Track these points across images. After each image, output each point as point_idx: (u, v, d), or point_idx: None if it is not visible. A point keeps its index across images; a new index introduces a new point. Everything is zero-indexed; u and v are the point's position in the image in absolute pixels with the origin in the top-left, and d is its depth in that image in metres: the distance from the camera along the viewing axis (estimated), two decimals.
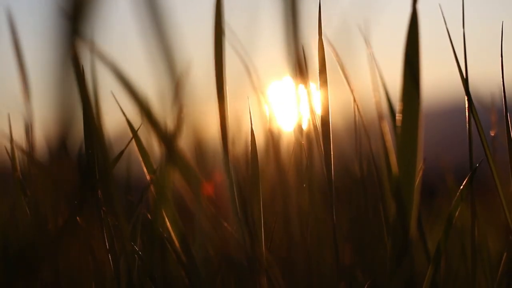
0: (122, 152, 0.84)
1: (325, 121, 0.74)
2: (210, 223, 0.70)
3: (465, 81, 0.80)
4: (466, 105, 0.79)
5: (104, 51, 0.64)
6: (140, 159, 0.81)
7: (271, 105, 0.77)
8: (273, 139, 0.75)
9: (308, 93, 0.72)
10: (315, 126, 0.74)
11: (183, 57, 0.56)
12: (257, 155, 0.79)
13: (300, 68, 0.67)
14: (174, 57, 0.56)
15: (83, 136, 0.77)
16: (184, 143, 0.64)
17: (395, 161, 0.68)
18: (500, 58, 0.79)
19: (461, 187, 0.80)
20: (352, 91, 0.77)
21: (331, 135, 0.74)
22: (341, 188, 0.82)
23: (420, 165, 0.68)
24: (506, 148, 0.80)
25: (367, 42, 0.79)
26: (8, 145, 0.88)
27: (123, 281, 0.80)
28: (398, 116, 0.67)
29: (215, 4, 0.72)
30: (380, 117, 0.73)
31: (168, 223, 0.79)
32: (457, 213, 0.80)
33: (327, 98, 0.74)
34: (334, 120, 0.76)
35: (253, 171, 0.79)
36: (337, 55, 0.76)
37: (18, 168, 0.86)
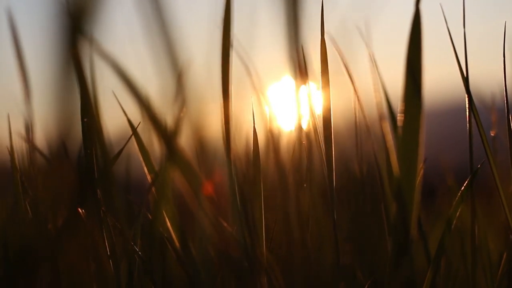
0: (121, 151, 0.84)
1: (327, 122, 0.74)
2: (210, 223, 0.70)
3: (465, 80, 0.80)
4: (467, 105, 0.79)
5: (105, 49, 0.64)
6: (141, 158, 0.81)
7: (271, 105, 0.77)
8: (273, 139, 0.75)
9: (309, 93, 0.72)
10: (316, 127, 0.74)
11: (185, 55, 0.56)
12: (259, 155, 0.79)
13: (300, 68, 0.67)
14: (177, 55, 0.56)
15: (82, 135, 0.77)
16: (185, 142, 0.64)
17: (396, 161, 0.68)
18: (503, 57, 0.79)
19: (462, 189, 0.80)
20: (355, 90, 0.77)
21: (332, 136, 0.74)
22: (342, 188, 0.81)
23: (421, 165, 0.68)
24: (507, 148, 0.80)
25: (367, 43, 0.79)
26: (8, 145, 0.88)
27: (123, 281, 0.80)
28: (400, 116, 0.67)
29: (225, 6, 0.71)
30: (381, 117, 0.72)
31: (168, 223, 0.79)
32: (457, 214, 0.80)
33: (329, 98, 0.74)
34: (336, 120, 0.76)
35: (254, 171, 0.79)
36: (341, 54, 0.76)
37: (18, 168, 0.86)
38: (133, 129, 0.83)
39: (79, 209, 0.72)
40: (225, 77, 0.72)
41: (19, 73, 0.83)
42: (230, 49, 0.72)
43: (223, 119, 0.71)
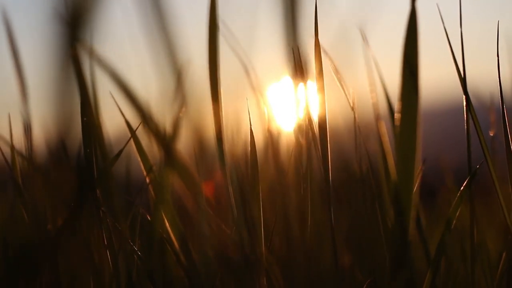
0: (120, 152, 0.84)
1: (323, 122, 0.74)
2: (209, 223, 0.70)
3: (463, 80, 0.80)
4: (464, 105, 0.79)
5: (102, 53, 0.64)
6: (139, 159, 0.81)
7: (270, 105, 0.77)
8: (272, 140, 0.75)
9: (307, 94, 0.72)
10: (313, 127, 0.74)
11: (184, 56, 0.56)
12: (257, 156, 0.79)
13: (298, 68, 0.67)
14: (176, 55, 0.56)
15: (82, 136, 0.77)
16: (183, 143, 0.64)
17: (393, 162, 0.68)
18: (497, 57, 0.79)
19: (460, 190, 0.80)
20: (347, 95, 0.77)
21: (328, 137, 0.74)
22: (340, 189, 0.82)
23: (419, 166, 0.68)
24: (505, 148, 0.80)
25: (365, 42, 0.79)
26: (8, 146, 0.88)
27: (122, 281, 0.80)
28: (397, 116, 0.67)
29: (210, 5, 0.72)
30: (378, 118, 0.73)
31: (167, 224, 0.79)
32: (457, 214, 0.80)
33: (325, 99, 0.74)
34: (332, 121, 0.76)
35: (252, 171, 0.79)
36: (332, 61, 0.76)
37: (18, 168, 0.86)
38: (131, 131, 0.83)
39: (78, 210, 0.72)
40: (213, 76, 0.72)
41: (16, 75, 0.83)
42: (218, 46, 0.72)
43: (214, 119, 0.71)
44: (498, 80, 0.79)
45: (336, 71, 0.76)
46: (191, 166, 0.63)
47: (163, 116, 0.61)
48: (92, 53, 0.63)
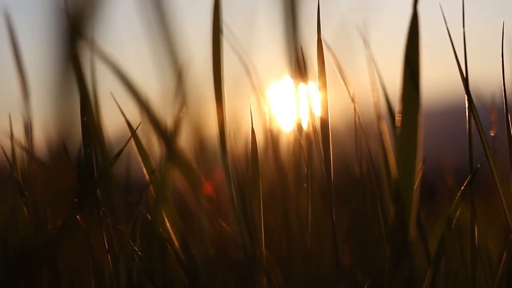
0: (120, 152, 0.84)
1: (324, 122, 0.74)
2: (210, 222, 0.70)
3: (465, 80, 0.80)
4: (466, 105, 0.79)
5: (104, 50, 0.64)
6: (139, 159, 0.81)
7: (270, 105, 0.77)
8: (272, 139, 0.75)
9: (308, 93, 0.72)
10: (314, 127, 0.74)
11: (185, 55, 0.56)
12: (258, 155, 0.79)
13: (299, 68, 0.67)
14: (177, 55, 0.56)
15: (82, 136, 0.77)
16: (184, 141, 0.64)
17: (394, 162, 0.68)
18: (501, 58, 0.79)
19: (461, 189, 0.80)
20: (350, 94, 0.77)
21: (330, 136, 0.74)
22: (341, 188, 0.81)
23: (419, 166, 0.68)
24: (507, 148, 0.80)
25: (366, 42, 0.79)
26: (8, 145, 0.88)
27: (122, 281, 0.80)
28: (398, 117, 0.67)
29: (213, 4, 0.72)
30: (379, 117, 0.73)
31: (167, 223, 0.79)
32: (457, 214, 0.80)
33: (327, 98, 0.74)
34: (334, 120, 0.76)
35: (253, 171, 0.79)
36: (335, 59, 0.76)
37: (18, 168, 0.86)
38: (132, 130, 0.83)
39: (79, 209, 0.72)
40: (217, 75, 0.72)
41: (17, 74, 0.83)
42: (221, 45, 0.72)
43: (217, 118, 0.71)
44: (502, 80, 0.79)
45: (340, 69, 0.76)
46: (193, 163, 0.63)
47: (165, 112, 0.61)
48: (94, 50, 0.63)
